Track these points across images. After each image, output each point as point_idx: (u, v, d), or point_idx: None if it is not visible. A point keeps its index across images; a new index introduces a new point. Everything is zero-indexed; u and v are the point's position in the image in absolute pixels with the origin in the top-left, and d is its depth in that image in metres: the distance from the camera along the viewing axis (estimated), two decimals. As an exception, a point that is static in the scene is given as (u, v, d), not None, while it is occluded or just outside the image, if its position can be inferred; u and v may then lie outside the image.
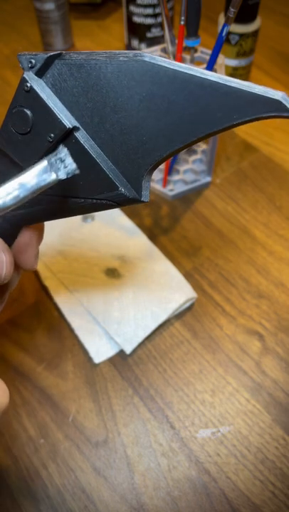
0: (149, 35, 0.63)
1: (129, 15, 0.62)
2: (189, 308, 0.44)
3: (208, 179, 0.53)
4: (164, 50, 0.47)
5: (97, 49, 0.71)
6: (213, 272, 0.46)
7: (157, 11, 0.60)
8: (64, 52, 0.21)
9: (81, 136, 0.21)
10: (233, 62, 0.55)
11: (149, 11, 0.61)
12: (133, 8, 0.61)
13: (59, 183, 0.21)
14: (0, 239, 0.23)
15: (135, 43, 0.65)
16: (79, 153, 0.22)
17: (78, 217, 0.46)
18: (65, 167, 0.21)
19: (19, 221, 0.25)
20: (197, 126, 0.19)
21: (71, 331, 0.42)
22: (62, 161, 0.21)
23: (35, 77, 0.21)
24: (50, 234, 0.47)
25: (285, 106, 0.17)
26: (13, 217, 0.25)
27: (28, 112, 0.21)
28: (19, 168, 0.23)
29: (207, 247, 0.48)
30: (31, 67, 0.21)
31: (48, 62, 0.21)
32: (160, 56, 0.22)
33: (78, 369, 0.41)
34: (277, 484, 0.35)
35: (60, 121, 0.21)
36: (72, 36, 0.71)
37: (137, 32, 0.64)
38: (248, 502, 0.34)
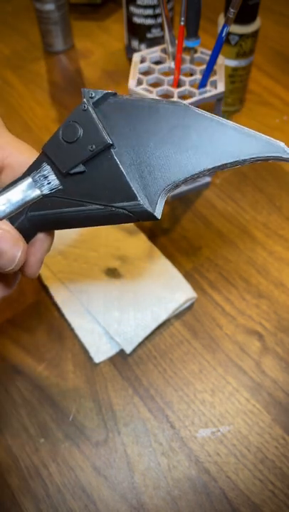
0: (149, 35, 0.63)
1: (129, 16, 0.62)
2: (189, 308, 0.44)
3: (207, 179, 0.53)
4: (164, 51, 0.48)
5: (98, 49, 0.71)
6: (213, 271, 0.46)
7: (157, 11, 0.61)
8: (118, 94, 0.26)
9: (115, 152, 0.26)
10: (232, 63, 0.55)
11: (149, 11, 0.61)
12: (133, 9, 0.61)
13: (88, 185, 0.26)
14: (16, 231, 0.25)
15: (135, 43, 0.65)
16: (110, 166, 0.26)
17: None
18: (49, 183, 0.25)
19: (38, 223, 0.27)
20: (213, 159, 0.24)
21: (71, 330, 0.43)
22: (45, 177, 0.25)
23: (92, 105, 0.26)
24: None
25: (286, 150, 0.23)
26: (34, 217, 0.26)
27: (79, 126, 0.26)
28: (56, 170, 0.26)
29: (207, 247, 0.48)
30: (91, 98, 0.26)
31: (105, 97, 0.26)
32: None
33: (78, 369, 0.41)
34: (277, 484, 0.35)
35: (103, 136, 0.25)
36: (73, 37, 0.71)
37: (137, 33, 0.64)
38: (247, 501, 0.34)
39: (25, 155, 0.26)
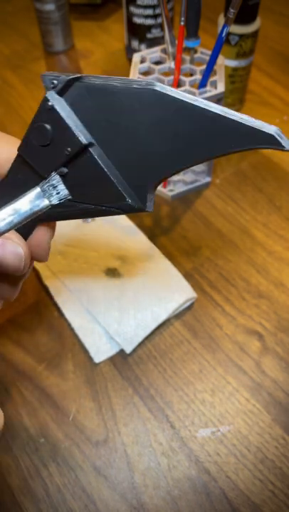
0: (149, 35, 0.63)
1: (129, 16, 0.63)
2: (189, 308, 0.44)
3: (208, 179, 0.53)
4: (164, 51, 0.48)
5: (98, 50, 0.71)
6: (213, 271, 0.46)
7: (157, 11, 0.61)
8: (84, 75, 0.23)
9: (95, 151, 0.24)
10: (232, 63, 0.55)
11: (149, 11, 0.61)
12: (133, 9, 0.61)
13: (72, 192, 0.24)
14: (17, 234, 0.25)
15: (135, 43, 0.65)
16: (92, 166, 0.24)
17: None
18: (58, 193, 0.24)
19: (35, 219, 0.27)
20: (199, 151, 0.22)
21: (71, 330, 0.43)
22: (54, 187, 0.24)
23: (56, 96, 0.23)
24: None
25: (277, 140, 0.20)
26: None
27: (49, 127, 0.23)
28: (38, 177, 0.25)
29: (207, 247, 0.48)
30: (53, 87, 0.23)
31: (69, 84, 0.23)
32: (170, 86, 0.25)
33: (78, 369, 0.41)
34: (277, 484, 0.35)
35: (77, 138, 0.23)
36: (73, 37, 0.71)
37: (137, 33, 0.64)
38: (247, 501, 0.34)
39: (7, 149, 0.25)
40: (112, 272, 0.45)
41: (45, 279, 0.45)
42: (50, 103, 0.23)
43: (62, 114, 0.23)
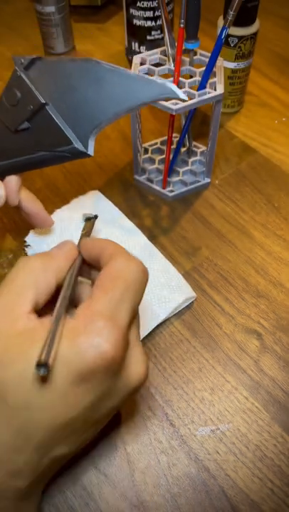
0: (149, 37, 0.64)
1: (130, 18, 0.63)
2: (189, 308, 0.44)
3: (207, 180, 0.54)
4: (164, 53, 0.48)
5: (98, 51, 0.72)
6: (212, 271, 0.47)
7: (157, 13, 0.61)
8: (43, 56, 0.34)
9: (50, 108, 0.33)
10: (232, 65, 0.55)
11: (149, 13, 0.61)
12: (133, 11, 0.62)
13: (34, 141, 0.35)
14: None
15: (135, 45, 0.66)
16: (48, 120, 0.33)
17: (79, 218, 0.46)
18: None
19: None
20: (122, 103, 0.32)
21: (72, 330, 0.43)
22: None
23: (23, 70, 0.34)
24: (50, 234, 0.47)
25: (175, 92, 0.31)
26: None
27: (17, 91, 0.34)
28: (7, 129, 0.36)
29: (206, 247, 0.49)
30: (21, 64, 0.34)
31: (32, 62, 0.34)
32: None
33: (79, 368, 0.41)
34: (276, 481, 0.35)
35: (37, 97, 0.33)
36: (73, 39, 0.71)
37: (137, 35, 0.64)
38: (247, 499, 0.35)
39: None
40: (112, 272, 0.45)
41: (46, 278, 0.45)
42: (18, 73, 0.34)
43: (27, 81, 0.33)
